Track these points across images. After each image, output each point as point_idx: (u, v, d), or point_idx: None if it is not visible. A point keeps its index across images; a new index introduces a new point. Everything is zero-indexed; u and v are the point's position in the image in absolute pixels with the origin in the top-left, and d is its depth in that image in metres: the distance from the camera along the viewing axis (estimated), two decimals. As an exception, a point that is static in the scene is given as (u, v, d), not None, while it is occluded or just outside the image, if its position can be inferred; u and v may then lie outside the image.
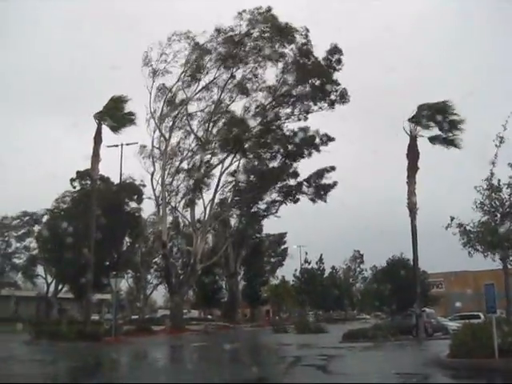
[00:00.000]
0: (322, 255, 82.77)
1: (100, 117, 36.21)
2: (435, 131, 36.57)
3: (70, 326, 31.97)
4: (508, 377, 13.72)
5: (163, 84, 48.27)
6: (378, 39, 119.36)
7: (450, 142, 36.43)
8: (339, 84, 48.60)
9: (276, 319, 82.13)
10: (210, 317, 76.76)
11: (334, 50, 47.68)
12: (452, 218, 29.04)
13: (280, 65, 49.33)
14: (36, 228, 62.47)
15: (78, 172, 53.80)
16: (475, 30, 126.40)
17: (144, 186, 51.37)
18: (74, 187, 55.09)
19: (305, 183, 55.92)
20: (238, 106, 51.73)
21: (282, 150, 53.70)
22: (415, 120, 36.27)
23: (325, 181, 55.54)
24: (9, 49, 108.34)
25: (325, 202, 55.48)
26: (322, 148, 52.36)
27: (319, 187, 55.32)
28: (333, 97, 48.99)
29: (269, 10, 46.52)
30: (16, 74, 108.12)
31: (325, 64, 47.79)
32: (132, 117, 37.99)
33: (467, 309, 46.50)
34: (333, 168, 55.01)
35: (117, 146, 39.75)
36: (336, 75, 48.51)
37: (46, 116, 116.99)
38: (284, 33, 47.01)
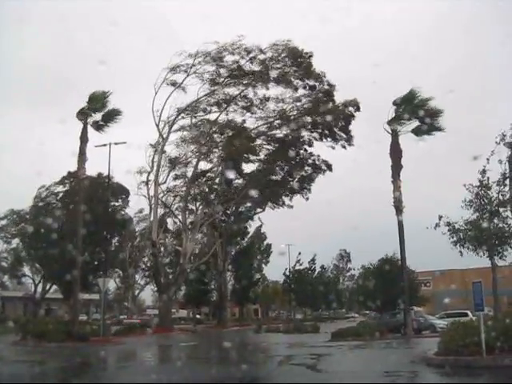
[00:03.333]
0: (315, 255, 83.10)
1: (83, 115, 35.93)
2: (414, 123, 36.90)
3: (58, 327, 31.77)
4: (496, 374, 13.80)
5: (174, 83, 47.89)
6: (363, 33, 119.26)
7: (434, 129, 36.67)
8: (349, 133, 48.89)
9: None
10: (198, 316, 76.74)
11: (353, 103, 47.64)
12: (440, 217, 29.25)
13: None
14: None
15: (69, 172, 53.29)
16: (459, 27, 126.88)
17: (144, 183, 50.68)
18: (65, 185, 54.69)
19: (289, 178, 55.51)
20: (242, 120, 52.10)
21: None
22: (395, 117, 36.60)
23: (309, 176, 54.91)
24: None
25: (307, 199, 55.09)
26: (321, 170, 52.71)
27: (303, 179, 54.69)
28: (339, 138, 49.47)
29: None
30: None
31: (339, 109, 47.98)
32: (117, 112, 37.68)
33: (455, 307, 46.73)
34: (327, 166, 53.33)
35: (105, 145, 39.36)
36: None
37: (32, 111, 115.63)
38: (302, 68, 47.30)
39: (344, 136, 49.01)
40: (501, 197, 28.55)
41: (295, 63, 47.06)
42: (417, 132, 36.90)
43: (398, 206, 34.99)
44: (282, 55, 46.87)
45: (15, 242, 62.48)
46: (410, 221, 36.05)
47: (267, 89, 48.87)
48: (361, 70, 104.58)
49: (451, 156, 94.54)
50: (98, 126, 36.93)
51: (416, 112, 35.84)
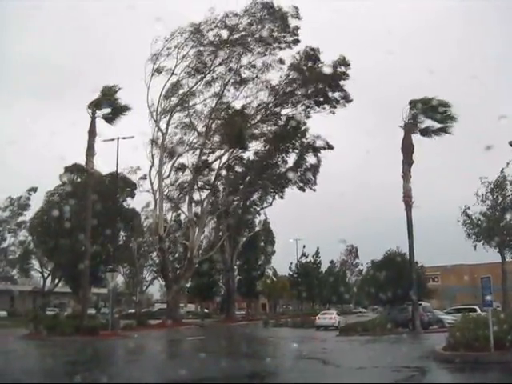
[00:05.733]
0: (318, 249, 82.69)
1: (93, 108, 35.99)
2: (427, 124, 36.87)
3: (67, 321, 31.96)
4: (503, 370, 13.80)
5: (162, 69, 47.77)
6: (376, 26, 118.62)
7: (442, 130, 36.70)
8: (344, 90, 48.64)
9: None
10: (206, 311, 76.97)
11: (342, 62, 47.33)
12: (465, 209, 29.65)
13: (284, 67, 49.68)
14: (26, 217, 61.60)
15: (65, 167, 53.45)
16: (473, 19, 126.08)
17: (145, 178, 50.85)
18: (64, 183, 54.86)
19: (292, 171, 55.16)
20: (239, 103, 51.89)
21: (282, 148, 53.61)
22: (408, 114, 36.58)
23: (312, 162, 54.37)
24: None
25: (314, 190, 54.85)
26: (320, 148, 52.37)
27: (306, 170, 54.50)
28: (335, 102, 49.23)
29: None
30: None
31: (331, 72, 47.31)
32: (126, 107, 37.72)
33: (464, 302, 46.66)
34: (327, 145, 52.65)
35: (113, 139, 39.57)
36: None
37: (36, 103, 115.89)
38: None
39: (341, 95, 48.91)
40: None
41: (273, 19, 47.23)
42: (424, 134, 36.98)
43: (408, 201, 34.95)
44: (259, 14, 47.17)
45: (22, 234, 62.69)
46: (419, 217, 36.02)
47: (251, 53, 48.86)
48: (371, 61, 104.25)
49: (460, 151, 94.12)
50: (108, 119, 37.02)
51: (430, 115, 35.98)
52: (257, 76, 49.97)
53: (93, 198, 36.82)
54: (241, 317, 67.58)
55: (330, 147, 51.83)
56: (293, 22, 47.41)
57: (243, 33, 47.69)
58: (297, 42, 48.08)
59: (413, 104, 36.48)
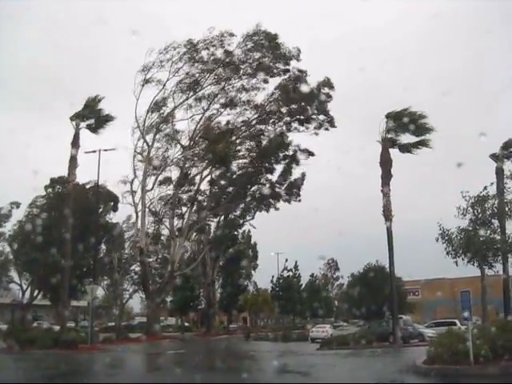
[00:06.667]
0: (296, 262, 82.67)
1: (77, 119, 35.81)
2: (405, 138, 37.21)
3: (46, 334, 31.56)
4: (483, 383, 13.85)
5: (152, 80, 47.68)
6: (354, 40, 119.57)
7: (421, 144, 37.00)
8: (328, 114, 49.02)
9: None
10: (186, 324, 76.42)
11: (326, 84, 47.79)
12: (442, 231, 29.88)
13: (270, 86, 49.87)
14: (6, 229, 60.60)
15: (51, 179, 52.86)
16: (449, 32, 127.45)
17: (129, 191, 50.33)
18: (48, 194, 54.23)
19: (277, 185, 55.27)
20: (223, 118, 52.19)
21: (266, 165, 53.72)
22: (386, 128, 36.83)
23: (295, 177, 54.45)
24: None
25: (299, 201, 54.86)
26: (301, 161, 52.50)
27: (291, 185, 54.68)
28: (320, 123, 49.55)
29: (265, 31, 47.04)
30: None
31: (314, 93, 47.86)
32: (110, 116, 37.70)
33: (444, 316, 46.87)
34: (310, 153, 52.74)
35: (94, 151, 39.31)
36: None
37: (18, 114, 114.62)
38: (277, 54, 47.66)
39: (325, 117, 49.16)
40: (494, 209, 29.21)
41: (268, 47, 47.32)
42: (403, 150, 37.32)
43: (388, 215, 35.11)
44: (256, 39, 47.19)
45: (0, 244, 61.52)
46: (401, 231, 36.19)
47: (241, 79, 49.06)
48: (351, 78, 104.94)
49: (437, 165, 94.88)
50: (92, 129, 36.90)
51: (407, 128, 36.26)
52: (246, 99, 50.24)
53: (74, 211, 36.52)
54: (223, 331, 67.25)
55: (311, 154, 51.98)
56: (287, 52, 47.67)
57: (239, 57, 47.88)
58: (287, 71, 48.47)
59: (389, 117, 36.80)
